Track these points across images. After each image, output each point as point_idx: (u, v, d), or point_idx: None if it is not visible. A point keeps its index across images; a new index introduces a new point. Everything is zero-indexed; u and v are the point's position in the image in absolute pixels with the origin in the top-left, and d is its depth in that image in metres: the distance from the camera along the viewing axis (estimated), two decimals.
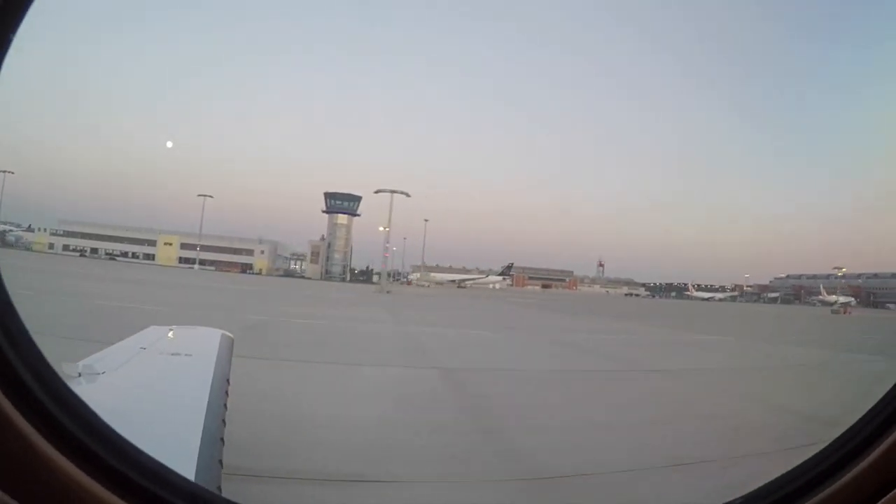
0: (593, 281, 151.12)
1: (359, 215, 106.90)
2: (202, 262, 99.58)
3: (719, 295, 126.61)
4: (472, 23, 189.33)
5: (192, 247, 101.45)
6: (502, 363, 14.37)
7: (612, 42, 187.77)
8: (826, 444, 1.34)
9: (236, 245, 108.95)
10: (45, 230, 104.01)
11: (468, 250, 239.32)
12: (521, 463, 6.32)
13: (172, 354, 3.42)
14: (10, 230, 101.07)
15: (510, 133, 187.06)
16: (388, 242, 79.96)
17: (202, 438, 1.93)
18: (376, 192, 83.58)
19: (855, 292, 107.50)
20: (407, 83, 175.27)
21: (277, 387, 8.87)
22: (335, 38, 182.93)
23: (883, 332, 36.92)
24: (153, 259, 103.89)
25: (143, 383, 2.90)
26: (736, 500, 1.35)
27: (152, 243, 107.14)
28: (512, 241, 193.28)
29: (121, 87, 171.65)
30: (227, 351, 3.66)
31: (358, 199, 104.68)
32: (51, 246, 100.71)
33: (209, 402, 2.36)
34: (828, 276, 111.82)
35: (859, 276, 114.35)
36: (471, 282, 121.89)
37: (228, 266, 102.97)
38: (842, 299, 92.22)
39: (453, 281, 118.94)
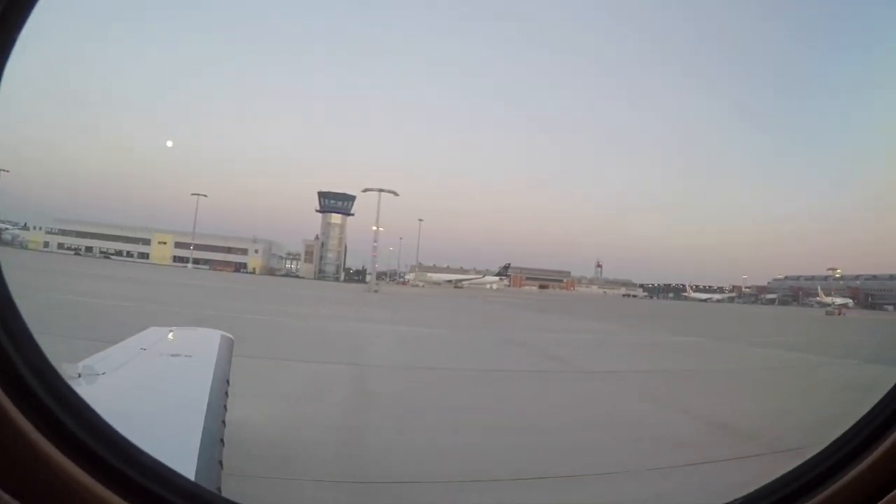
0: (591, 282, 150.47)
1: (352, 215, 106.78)
2: (197, 262, 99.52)
3: (717, 296, 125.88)
4: (472, 23, 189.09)
5: (187, 246, 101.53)
6: (425, 362, 13.75)
7: (611, 42, 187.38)
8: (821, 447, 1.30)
9: (231, 244, 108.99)
10: (40, 228, 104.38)
11: (467, 250, 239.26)
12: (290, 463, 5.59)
13: (172, 355, 3.46)
14: (7, 228, 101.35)
15: (509, 133, 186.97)
16: (376, 242, 79.94)
17: (202, 439, 1.94)
18: (364, 190, 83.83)
19: (853, 294, 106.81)
20: (406, 83, 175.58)
21: None
22: (334, 38, 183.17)
23: (868, 334, 36.26)
24: (148, 258, 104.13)
25: (144, 384, 2.93)
26: (736, 500, 1.35)
27: (147, 242, 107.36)
28: (510, 241, 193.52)
29: (117, 87, 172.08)
30: (227, 352, 3.69)
31: (352, 198, 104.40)
32: (46, 244, 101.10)
33: (209, 403, 2.38)
34: (826, 278, 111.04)
35: (857, 277, 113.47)
36: (467, 282, 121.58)
37: (223, 265, 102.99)
38: (839, 301, 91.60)
39: (450, 281, 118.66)
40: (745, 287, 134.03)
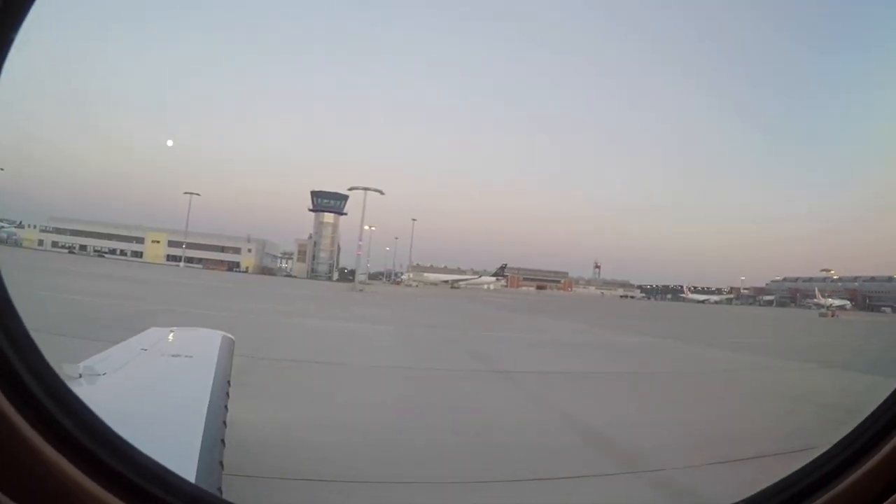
0: (589, 282, 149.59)
1: (345, 214, 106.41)
2: (190, 260, 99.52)
3: (714, 297, 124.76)
4: (472, 23, 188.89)
5: (180, 244, 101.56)
6: (325, 356, 13.04)
7: (610, 43, 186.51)
8: (826, 447, 1.29)
9: (224, 243, 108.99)
10: (34, 227, 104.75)
11: (465, 251, 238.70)
12: None
13: (173, 356, 3.46)
14: (2, 227, 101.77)
15: (508, 133, 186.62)
16: (360, 240, 79.90)
17: (203, 440, 1.92)
18: (350, 189, 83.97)
19: (851, 295, 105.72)
20: (405, 83, 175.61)
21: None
22: (333, 38, 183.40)
23: (856, 337, 35.27)
24: (142, 256, 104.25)
25: (144, 385, 2.92)
26: (739, 502, 1.35)
27: (141, 241, 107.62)
28: (509, 241, 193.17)
29: (112, 86, 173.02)
30: (228, 353, 3.69)
31: (344, 197, 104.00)
32: (40, 242, 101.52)
33: (210, 404, 2.36)
34: (823, 279, 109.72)
35: (855, 279, 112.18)
36: (464, 282, 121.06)
37: (215, 264, 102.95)
38: (837, 302, 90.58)
39: (446, 281, 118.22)
40: (744, 288, 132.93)
